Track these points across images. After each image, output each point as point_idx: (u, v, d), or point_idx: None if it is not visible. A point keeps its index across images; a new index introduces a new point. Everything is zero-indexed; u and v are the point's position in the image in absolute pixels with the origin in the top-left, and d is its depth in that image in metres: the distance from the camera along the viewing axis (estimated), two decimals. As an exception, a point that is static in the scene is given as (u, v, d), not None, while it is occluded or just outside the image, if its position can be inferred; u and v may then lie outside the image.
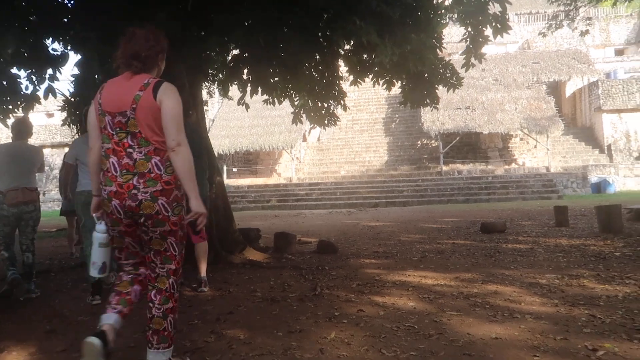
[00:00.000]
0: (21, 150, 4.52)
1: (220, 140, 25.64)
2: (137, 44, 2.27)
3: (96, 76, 5.86)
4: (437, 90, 7.11)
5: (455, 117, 23.76)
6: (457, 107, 24.21)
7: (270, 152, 26.34)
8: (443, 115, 23.74)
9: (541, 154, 24.13)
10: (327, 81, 6.99)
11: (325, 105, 7.48)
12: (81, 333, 3.08)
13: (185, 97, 5.60)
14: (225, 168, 25.69)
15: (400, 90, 7.45)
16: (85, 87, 6.04)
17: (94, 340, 2.09)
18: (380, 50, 4.67)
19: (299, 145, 25.54)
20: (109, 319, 2.22)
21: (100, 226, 2.39)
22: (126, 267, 2.39)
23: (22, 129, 4.65)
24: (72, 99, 6.61)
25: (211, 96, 16.33)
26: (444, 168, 23.09)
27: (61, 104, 6.87)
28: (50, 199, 27.23)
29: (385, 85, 6.98)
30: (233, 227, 6.11)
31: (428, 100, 7.02)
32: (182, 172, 2.20)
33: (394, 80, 7.01)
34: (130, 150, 2.22)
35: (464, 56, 6.16)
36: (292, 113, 7.65)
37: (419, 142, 26.24)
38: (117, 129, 2.24)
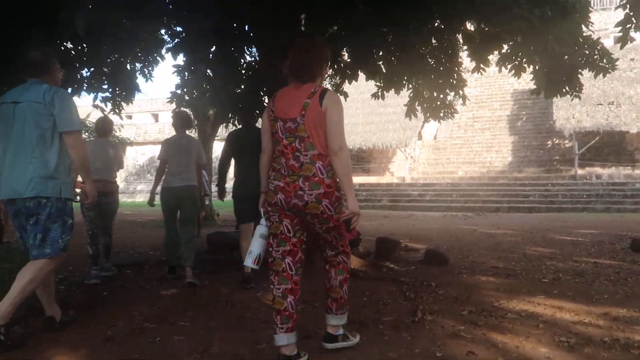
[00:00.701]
0: (103, 147, 4.97)
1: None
2: (304, 57, 2.52)
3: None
4: (580, 76, 5.82)
5: (595, 113, 20.85)
6: (597, 102, 21.24)
7: (384, 150, 25.50)
8: (580, 112, 21.00)
9: None
10: (443, 67, 6.10)
11: (442, 95, 6.57)
12: (139, 344, 2.72)
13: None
14: (337, 165, 25.47)
15: (531, 78, 6.28)
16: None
17: None
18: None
19: (413, 144, 24.41)
20: (281, 341, 2.45)
21: (265, 219, 2.61)
22: (275, 254, 2.53)
23: (103, 127, 5.19)
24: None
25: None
26: (579, 171, 20.36)
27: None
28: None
29: (514, 71, 5.90)
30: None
31: (567, 88, 5.77)
32: (342, 174, 2.43)
33: (525, 65, 5.89)
34: (298, 153, 2.43)
35: (619, 30, 4.83)
36: (404, 105, 6.86)
37: (549, 142, 23.57)
38: (287, 134, 2.47)
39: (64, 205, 2.87)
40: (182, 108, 6.40)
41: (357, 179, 24.60)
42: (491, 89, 29.18)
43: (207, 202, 10.79)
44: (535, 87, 6.16)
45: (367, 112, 26.57)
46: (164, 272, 4.91)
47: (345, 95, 6.82)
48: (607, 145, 22.03)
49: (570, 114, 21.04)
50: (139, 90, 6.92)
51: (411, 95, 6.59)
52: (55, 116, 2.79)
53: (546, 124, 23.90)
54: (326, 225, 2.49)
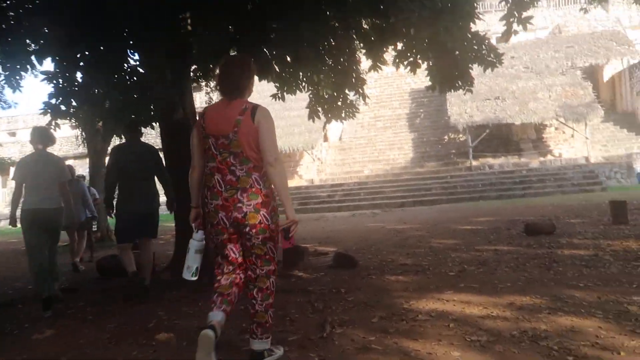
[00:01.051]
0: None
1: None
2: (232, 74, 2.56)
3: None
4: (470, 71, 6.00)
5: (484, 108, 22.39)
6: (485, 97, 22.84)
7: (291, 154, 25.38)
8: (471, 107, 22.42)
9: (579, 143, 22.52)
10: (342, 66, 5.99)
11: (342, 95, 6.47)
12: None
13: (168, 90, 4.75)
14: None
15: (427, 74, 6.38)
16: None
17: (208, 332, 2.33)
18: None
19: (320, 146, 24.56)
20: (216, 317, 2.44)
21: (198, 234, 2.68)
22: (226, 270, 2.59)
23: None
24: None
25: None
26: (474, 163, 21.74)
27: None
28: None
29: (410, 67, 5.94)
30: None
31: (460, 82, 5.92)
32: (279, 184, 2.50)
33: (419, 61, 5.96)
34: (233, 167, 2.48)
35: (503, 23, 5.02)
36: (306, 107, 6.67)
37: (445, 137, 24.94)
38: (221, 150, 2.49)
39: None
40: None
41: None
42: (390, 88, 30.31)
43: (94, 225, 9.90)
44: (430, 83, 6.24)
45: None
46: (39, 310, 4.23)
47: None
48: (497, 137, 23.74)
49: (462, 109, 22.37)
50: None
51: (311, 96, 6.41)
52: None
53: (442, 119, 25.23)
54: (263, 235, 2.51)
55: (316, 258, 6.19)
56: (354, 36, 5.45)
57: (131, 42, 4.43)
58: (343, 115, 6.62)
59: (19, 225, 4.47)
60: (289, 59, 5.32)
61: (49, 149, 4.71)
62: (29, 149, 23.04)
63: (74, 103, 5.52)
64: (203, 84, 13.92)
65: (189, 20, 4.86)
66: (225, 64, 2.66)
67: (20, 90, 6.37)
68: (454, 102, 22.93)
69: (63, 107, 5.56)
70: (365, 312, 3.42)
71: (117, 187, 4.67)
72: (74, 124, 11.58)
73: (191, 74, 5.89)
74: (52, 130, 4.90)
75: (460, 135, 23.87)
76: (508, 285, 3.89)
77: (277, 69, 5.87)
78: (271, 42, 4.80)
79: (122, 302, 4.26)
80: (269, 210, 2.50)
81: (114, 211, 4.64)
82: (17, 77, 6.12)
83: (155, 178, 4.68)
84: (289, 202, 2.51)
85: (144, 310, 3.85)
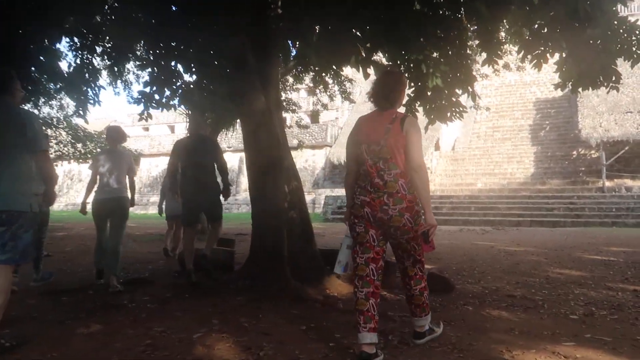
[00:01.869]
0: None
1: (345, 149, 24.70)
2: (387, 87, 2.80)
3: None
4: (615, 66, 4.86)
5: (624, 122, 19.60)
6: (626, 110, 20.00)
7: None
8: (607, 120, 19.78)
9: None
10: (449, 58, 5.22)
11: (447, 92, 5.64)
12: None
13: (251, 81, 4.38)
14: (350, 177, 24.62)
15: (555, 69, 5.35)
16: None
17: None
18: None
19: (430, 154, 23.36)
20: (364, 339, 2.62)
21: (349, 232, 2.88)
22: (359, 259, 2.77)
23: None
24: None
25: (332, 99, 15.37)
26: (608, 184, 19.04)
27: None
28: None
29: (535, 61, 5.00)
30: (311, 248, 4.68)
31: (602, 78, 4.81)
32: (421, 189, 2.68)
33: (548, 55, 4.98)
34: (382, 172, 2.70)
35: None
36: (403, 105, 5.96)
37: (574, 153, 22.27)
38: (372, 155, 2.72)
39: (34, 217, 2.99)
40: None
41: (371, 191, 23.70)
42: (512, 97, 28.06)
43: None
44: (560, 80, 5.22)
45: (381, 122, 25.76)
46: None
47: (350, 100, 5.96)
48: (638, 156, 20.66)
49: (597, 122, 19.83)
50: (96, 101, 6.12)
51: (412, 93, 5.70)
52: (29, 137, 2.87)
53: (571, 133, 22.65)
54: (407, 236, 2.74)
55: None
56: (462, 14, 4.62)
57: (215, 26, 4.14)
58: (448, 115, 5.77)
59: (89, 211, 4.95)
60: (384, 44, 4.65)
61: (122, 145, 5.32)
62: (157, 143, 24.91)
63: (167, 92, 5.48)
64: (318, 88, 13.81)
65: (278, 3, 4.47)
66: (380, 79, 2.90)
67: (121, 80, 6.52)
68: (586, 113, 20.43)
69: (157, 97, 5.54)
70: (450, 357, 2.69)
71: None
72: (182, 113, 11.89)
73: (280, 64, 5.54)
74: (123, 129, 5.38)
75: (593, 152, 21.16)
76: (655, 345, 2.87)
77: (364, 54, 5.17)
78: (362, 19, 4.16)
79: (187, 298, 4.01)
80: (412, 214, 2.71)
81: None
82: (119, 67, 6.27)
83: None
84: (429, 207, 2.70)
85: (199, 314, 3.48)
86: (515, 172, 21.97)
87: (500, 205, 18.50)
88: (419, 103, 5.76)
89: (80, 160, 18.70)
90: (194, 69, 4.97)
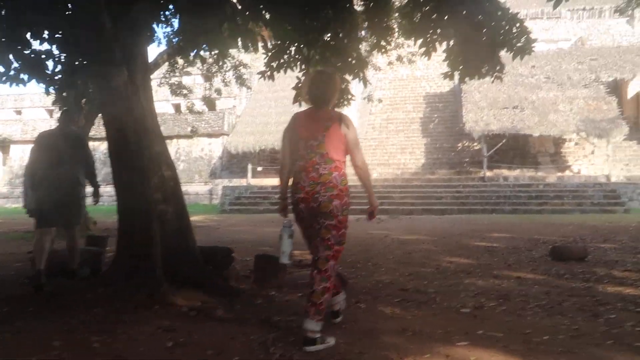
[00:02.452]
0: None
1: (245, 137, 23.98)
2: (321, 86, 2.95)
3: None
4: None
5: (502, 117, 21.15)
6: (503, 106, 21.62)
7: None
8: (487, 115, 21.21)
9: (599, 160, 21.24)
10: (338, 42, 4.92)
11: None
12: None
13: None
14: (250, 167, 23.97)
15: (444, 58, 5.28)
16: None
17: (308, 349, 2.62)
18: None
19: (327, 145, 23.46)
20: (309, 326, 2.68)
21: (287, 222, 3.05)
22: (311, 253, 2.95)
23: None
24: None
25: (226, 84, 14.63)
26: (488, 173, 20.51)
27: None
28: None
29: (424, 48, 4.87)
30: (189, 246, 4.12)
31: (487, 68, 4.82)
32: (365, 180, 2.97)
33: (437, 43, 4.88)
34: (317, 166, 2.84)
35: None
36: (292, 89, 5.59)
37: (459, 145, 23.72)
38: (309, 151, 2.87)
39: None
40: None
41: (270, 181, 23.21)
42: (404, 91, 29.17)
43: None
44: (448, 68, 5.16)
45: (280, 112, 25.30)
46: None
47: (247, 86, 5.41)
48: (513, 148, 22.50)
49: (479, 116, 21.17)
50: None
51: (301, 75, 5.33)
52: None
53: (456, 126, 24.04)
54: (329, 221, 2.80)
55: (300, 271, 5.13)
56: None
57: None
58: (336, 103, 5.47)
59: None
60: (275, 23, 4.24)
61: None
62: (30, 128, 22.42)
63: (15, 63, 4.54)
64: (211, 72, 12.93)
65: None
66: (313, 78, 3.07)
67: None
68: (470, 108, 21.75)
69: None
70: (339, 368, 2.36)
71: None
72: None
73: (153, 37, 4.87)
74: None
75: (475, 144, 22.66)
76: (545, 340, 2.78)
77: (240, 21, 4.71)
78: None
79: (30, 312, 3.27)
80: (341, 203, 2.81)
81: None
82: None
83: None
84: (372, 191, 3.04)
85: (37, 335, 2.80)
86: (407, 163, 22.87)
87: (394, 194, 19.07)
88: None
89: None
90: (43, 35, 4.12)
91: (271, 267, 4.33)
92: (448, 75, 5.42)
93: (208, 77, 16.89)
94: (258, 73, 5.59)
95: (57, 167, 4.45)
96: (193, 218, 14.73)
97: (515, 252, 6.64)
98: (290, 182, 2.98)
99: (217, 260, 4.39)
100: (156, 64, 10.16)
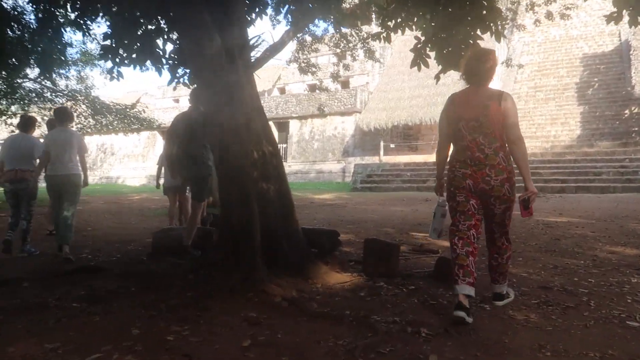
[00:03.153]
0: (17, 140, 5.45)
1: (377, 114, 23.45)
2: (479, 66, 2.91)
3: None
4: None
5: (686, 75, 17.45)
6: (688, 61, 17.81)
7: (433, 126, 23.08)
8: (666, 74, 17.68)
9: None
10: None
11: (462, 36, 4.47)
12: None
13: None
14: (382, 144, 23.47)
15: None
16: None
17: (459, 314, 2.61)
18: None
19: (465, 118, 21.83)
20: (462, 290, 2.72)
21: (442, 201, 3.21)
22: (462, 226, 2.93)
23: (22, 122, 5.64)
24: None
25: (354, 58, 14.19)
26: (665, 144, 17.18)
27: None
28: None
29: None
30: (292, 228, 3.78)
31: None
32: (520, 160, 2.88)
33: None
34: (482, 146, 2.86)
35: None
36: (410, 51, 4.86)
37: (626, 112, 20.21)
38: (471, 131, 2.89)
39: None
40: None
41: (404, 158, 22.47)
42: (557, 54, 25.85)
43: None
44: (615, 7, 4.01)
45: (413, 85, 24.27)
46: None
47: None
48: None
49: (653, 76, 17.76)
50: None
51: (420, 36, 4.60)
52: None
53: (623, 90, 20.60)
54: (504, 205, 2.92)
55: (418, 259, 4.53)
56: None
57: None
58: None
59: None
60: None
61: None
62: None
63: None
64: (339, 47, 12.65)
65: None
66: (470, 57, 3.00)
67: (88, 35, 5.70)
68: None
69: (122, 51, 4.71)
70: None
71: None
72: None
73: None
74: (70, 110, 5.67)
75: (648, 110, 19.14)
76: None
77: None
78: None
79: (132, 292, 3.25)
80: (511, 184, 2.87)
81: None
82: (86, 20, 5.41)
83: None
84: (529, 175, 2.90)
85: (120, 320, 2.67)
86: (559, 135, 20.23)
87: (542, 170, 16.99)
88: (429, 47, 4.66)
89: (104, 132, 18.35)
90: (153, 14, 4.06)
91: (382, 253, 3.80)
92: (613, 18, 4.25)
93: (340, 56, 16.64)
94: (372, 35, 5.00)
95: (187, 146, 4.70)
96: (323, 196, 14.77)
97: None
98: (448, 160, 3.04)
99: (323, 243, 4.00)
100: (282, 42, 10.10)
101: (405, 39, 30.87)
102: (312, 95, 27.72)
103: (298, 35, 13.18)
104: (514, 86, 24.29)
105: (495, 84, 25.16)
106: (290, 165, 26.76)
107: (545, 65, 25.14)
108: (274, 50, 4.80)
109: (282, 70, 33.43)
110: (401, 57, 27.37)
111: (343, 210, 10.48)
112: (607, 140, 18.74)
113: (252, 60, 4.24)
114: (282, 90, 32.76)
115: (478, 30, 4.58)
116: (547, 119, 21.49)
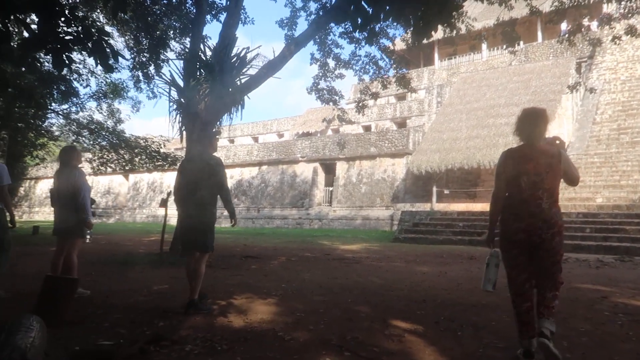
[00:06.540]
0: None
1: (429, 156, 21.01)
2: (531, 125, 3.22)
3: None
4: None
5: None
6: None
7: (493, 170, 20.31)
8: None
9: None
10: None
11: None
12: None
13: None
14: (434, 189, 20.92)
15: None
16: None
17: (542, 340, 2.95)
18: None
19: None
20: (530, 346, 3.02)
21: (495, 252, 3.39)
22: (518, 280, 3.19)
23: None
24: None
25: (384, 87, 12.23)
26: None
27: None
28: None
29: None
30: None
31: None
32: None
33: None
34: (540, 201, 3.13)
35: None
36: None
37: None
38: (531, 185, 3.14)
39: None
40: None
41: (458, 206, 19.72)
42: (645, 91, 22.33)
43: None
44: None
45: (472, 125, 21.77)
46: None
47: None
48: None
49: None
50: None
51: None
52: None
53: None
54: (553, 258, 3.14)
55: None
56: None
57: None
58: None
59: None
60: None
61: None
62: (232, 154, 23.39)
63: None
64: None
65: None
66: (524, 116, 3.28)
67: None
68: None
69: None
70: None
71: None
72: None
73: None
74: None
75: None
76: None
77: None
78: None
79: None
80: (560, 239, 3.16)
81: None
82: None
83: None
84: None
85: None
86: (650, 184, 16.74)
87: (628, 226, 13.75)
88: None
89: (127, 169, 17.42)
90: None
91: None
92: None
93: (401, 97, 14.59)
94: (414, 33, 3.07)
95: (192, 194, 4.56)
96: (352, 247, 12.17)
97: None
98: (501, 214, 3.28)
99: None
100: (283, 57, 8.39)
101: (465, 76, 28.47)
102: (361, 135, 25.82)
103: (319, 58, 11.53)
104: (592, 128, 21.08)
105: (569, 127, 21.99)
106: (335, 210, 24.73)
107: (632, 105, 21.71)
108: (271, 67, 4.21)
109: (337, 112, 32.18)
110: (459, 95, 25.02)
111: (351, 268, 8.23)
112: None
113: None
114: (336, 131, 31.18)
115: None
116: (634, 165, 18.05)
